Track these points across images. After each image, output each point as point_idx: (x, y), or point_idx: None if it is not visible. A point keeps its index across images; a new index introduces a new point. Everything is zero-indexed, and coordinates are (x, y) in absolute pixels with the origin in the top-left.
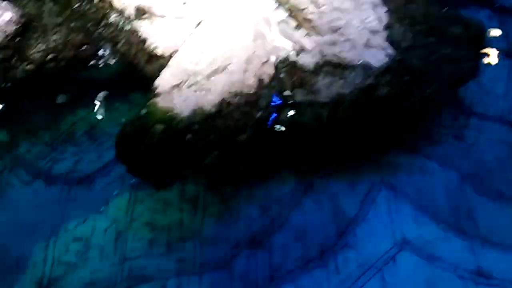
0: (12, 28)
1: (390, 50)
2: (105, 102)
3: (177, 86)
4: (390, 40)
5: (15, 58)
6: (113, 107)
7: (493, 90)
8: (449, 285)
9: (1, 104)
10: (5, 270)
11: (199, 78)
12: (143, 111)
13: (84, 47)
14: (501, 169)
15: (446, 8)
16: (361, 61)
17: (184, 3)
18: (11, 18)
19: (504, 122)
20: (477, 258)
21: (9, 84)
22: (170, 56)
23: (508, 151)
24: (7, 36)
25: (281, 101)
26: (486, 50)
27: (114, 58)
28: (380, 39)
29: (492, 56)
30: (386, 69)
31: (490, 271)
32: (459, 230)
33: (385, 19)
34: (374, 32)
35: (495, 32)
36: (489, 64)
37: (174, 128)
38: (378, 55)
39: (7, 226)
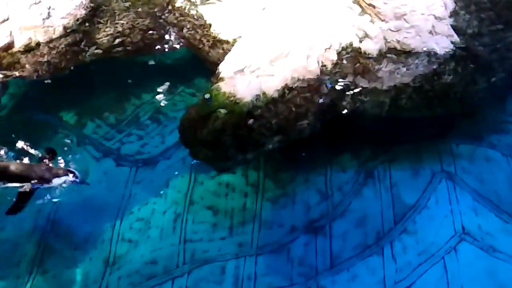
0: (82, 12)
1: (455, 37)
2: (170, 86)
3: (241, 71)
4: (456, 27)
5: (84, 42)
6: (178, 91)
7: None
8: (510, 275)
9: (70, 87)
10: (74, 247)
11: (262, 63)
12: (207, 96)
13: (151, 31)
14: None
15: None
16: (425, 48)
17: None
18: (81, 2)
19: None
20: None
21: (78, 67)
22: (234, 41)
23: None
24: (77, 20)
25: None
26: None
27: (179, 43)
28: (445, 26)
29: None
30: (450, 57)
31: None
32: None
33: (450, 5)
34: (439, 18)
35: None
36: None
37: (237, 112)
38: (442, 42)
39: (77, 204)
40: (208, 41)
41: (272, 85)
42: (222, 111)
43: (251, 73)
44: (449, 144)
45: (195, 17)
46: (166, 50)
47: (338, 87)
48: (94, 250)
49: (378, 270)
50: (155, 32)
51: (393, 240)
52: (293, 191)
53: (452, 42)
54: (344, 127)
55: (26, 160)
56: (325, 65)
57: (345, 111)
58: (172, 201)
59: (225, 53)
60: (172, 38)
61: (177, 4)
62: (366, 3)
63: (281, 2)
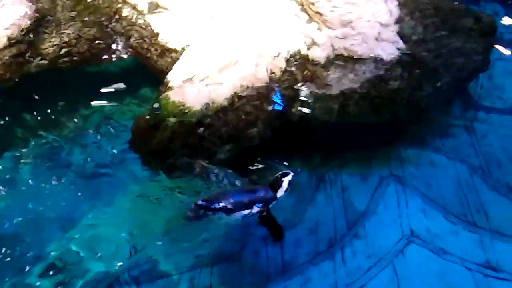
0: (26, 22)
1: (401, 44)
2: (118, 96)
3: (189, 80)
4: (401, 33)
5: (29, 52)
6: (126, 101)
7: (503, 84)
8: (459, 277)
9: (15, 99)
10: (19, 259)
11: (211, 72)
12: (156, 105)
13: (97, 41)
14: (510, 162)
15: (456, 2)
16: (371, 55)
17: None
18: (25, 12)
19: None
20: (486, 251)
21: (23, 79)
22: (183, 50)
23: None
24: (21, 30)
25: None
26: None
27: (127, 53)
28: (390, 33)
29: (503, 49)
30: (396, 63)
31: (499, 264)
32: (468, 223)
33: (396, 12)
34: (385, 25)
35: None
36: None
37: (187, 121)
38: (388, 49)
39: (24, 215)
40: (156, 50)
41: (221, 94)
42: (172, 120)
43: (200, 81)
44: (397, 149)
45: (143, 26)
46: (114, 59)
47: (287, 94)
48: (40, 263)
49: (330, 275)
50: (102, 41)
51: (344, 246)
52: None
53: (397, 49)
54: (294, 134)
55: None
56: (274, 73)
57: (294, 118)
58: (124, 212)
59: (174, 62)
60: (120, 47)
61: (124, 14)
62: (313, 11)
63: (228, 10)
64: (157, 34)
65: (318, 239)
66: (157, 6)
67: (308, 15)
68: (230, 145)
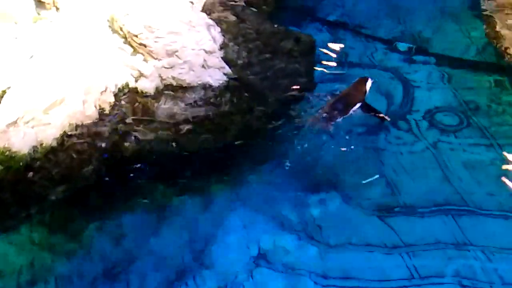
0: None
1: (227, 69)
2: None
3: (14, 123)
4: (226, 59)
5: None
6: None
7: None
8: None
9: None
10: None
11: (36, 113)
12: None
13: None
14: (335, 175)
15: (276, 25)
16: (200, 82)
17: (15, 38)
18: None
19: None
20: (325, 262)
21: None
22: (4, 93)
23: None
24: None
25: None
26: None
27: None
28: (216, 59)
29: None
30: (225, 88)
31: (337, 273)
32: (308, 237)
33: (219, 39)
34: (209, 52)
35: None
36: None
37: (14, 167)
38: (216, 75)
39: None
40: None
41: (49, 134)
42: None
43: (25, 124)
44: (236, 172)
45: None
46: None
47: (118, 129)
48: None
49: None
50: None
51: (195, 275)
52: (88, 240)
53: (224, 74)
54: (132, 168)
55: None
56: (103, 108)
57: (128, 152)
58: None
59: None
60: None
61: None
62: (137, 42)
63: (49, 49)
64: None
65: (167, 272)
66: None
67: (133, 47)
68: (63, 186)
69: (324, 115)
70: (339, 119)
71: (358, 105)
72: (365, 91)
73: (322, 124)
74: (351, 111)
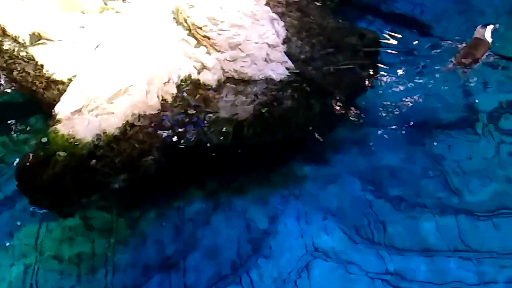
0: None
1: (289, 63)
2: (4, 132)
3: (79, 111)
4: (289, 53)
5: None
6: (13, 137)
7: (389, 98)
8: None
9: None
10: None
11: (100, 101)
12: (44, 139)
13: None
14: (397, 175)
15: (340, 20)
16: (262, 76)
17: (82, 27)
18: None
19: (399, 128)
20: (386, 263)
21: None
22: (70, 81)
23: (404, 156)
24: None
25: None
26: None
27: (11, 87)
28: (278, 53)
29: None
30: (287, 83)
31: (399, 274)
32: (366, 237)
33: (282, 33)
34: (272, 46)
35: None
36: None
37: (78, 154)
38: (278, 69)
39: None
40: (41, 82)
41: (112, 123)
42: (62, 154)
43: (89, 112)
44: (294, 167)
45: (26, 58)
46: None
47: (180, 120)
48: None
49: None
50: None
51: (250, 268)
52: (145, 229)
53: (287, 68)
54: (191, 160)
55: None
56: (165, 99)
57: (189, 143)
58: (20, 253)
59: (61, 93)
60: (2, 82)
61: (5, 47)
62: (201, 35)
63: (114, 39)
64: (42, 66)
65: (220, 262)
66: (39, 37)
67: (196, 39)
68: (125, 174)
69: (457, 64)
70: (475, 66)
71: (487, 52)
72: (489, 37)
73: (459, 72)
74: (482, 58)
